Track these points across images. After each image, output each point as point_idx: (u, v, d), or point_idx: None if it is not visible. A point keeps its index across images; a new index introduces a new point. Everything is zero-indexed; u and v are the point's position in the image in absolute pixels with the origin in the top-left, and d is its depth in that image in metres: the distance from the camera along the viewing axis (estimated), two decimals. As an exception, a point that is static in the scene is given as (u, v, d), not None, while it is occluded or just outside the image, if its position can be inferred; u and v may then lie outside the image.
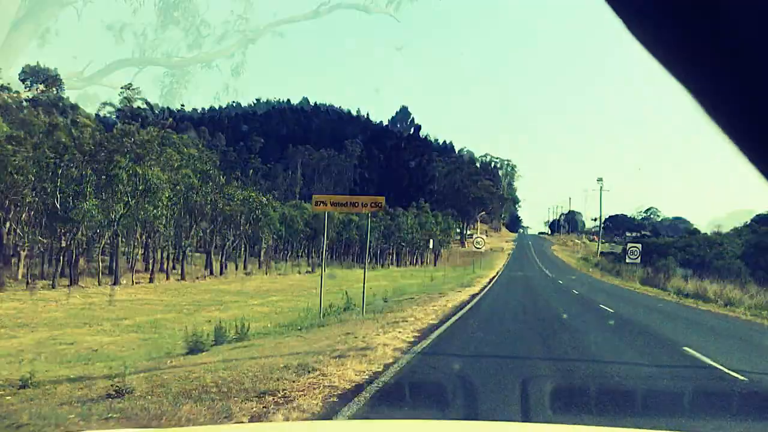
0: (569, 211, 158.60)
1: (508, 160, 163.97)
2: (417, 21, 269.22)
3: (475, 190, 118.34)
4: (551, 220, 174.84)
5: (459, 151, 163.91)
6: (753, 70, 0.68)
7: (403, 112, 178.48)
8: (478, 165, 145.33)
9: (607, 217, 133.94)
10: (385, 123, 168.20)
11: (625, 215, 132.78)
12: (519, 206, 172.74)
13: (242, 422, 5.75)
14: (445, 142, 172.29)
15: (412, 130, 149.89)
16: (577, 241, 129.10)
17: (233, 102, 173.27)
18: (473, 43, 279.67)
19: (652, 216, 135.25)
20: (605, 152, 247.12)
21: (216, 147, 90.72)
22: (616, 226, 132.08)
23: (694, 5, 0.68)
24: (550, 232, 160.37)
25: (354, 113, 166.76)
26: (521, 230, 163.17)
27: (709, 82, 0.72)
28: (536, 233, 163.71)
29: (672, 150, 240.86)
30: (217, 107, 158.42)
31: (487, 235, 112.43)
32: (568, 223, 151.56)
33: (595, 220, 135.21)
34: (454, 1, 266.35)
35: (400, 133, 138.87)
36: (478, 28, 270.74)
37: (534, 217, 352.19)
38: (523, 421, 6.16)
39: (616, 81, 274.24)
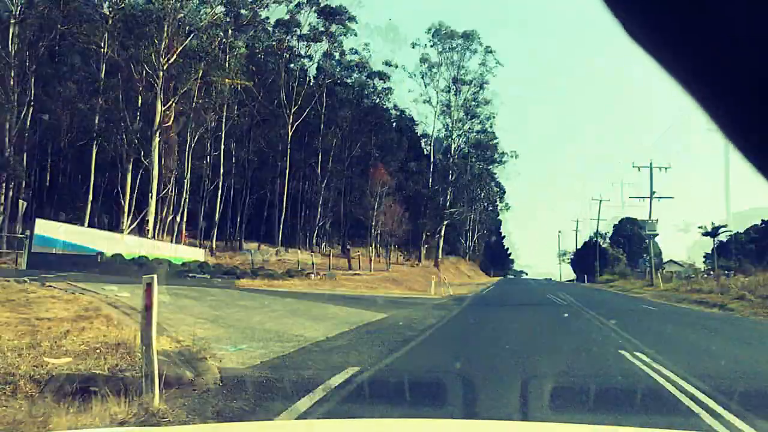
0: (626, 220, 74.44)
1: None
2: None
3: None
4: (571, 252, 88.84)
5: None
6: (752, 69, 0.69)
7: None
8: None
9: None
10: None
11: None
12: (504, 206, 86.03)
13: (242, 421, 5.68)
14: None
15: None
16: None
17: None
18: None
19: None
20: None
21: None
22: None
23: (692, 4, 0.68)
24: (580, 276, 75.50)
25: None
26: (511, 274, 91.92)
27: (710, 81, 0.73)
28: (544, 278, 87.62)
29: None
30: None
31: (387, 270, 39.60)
32: (623, 247, 73.72)
33: (715, 234, 57.22)
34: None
35: None
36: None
37: (530, 254, 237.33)
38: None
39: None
